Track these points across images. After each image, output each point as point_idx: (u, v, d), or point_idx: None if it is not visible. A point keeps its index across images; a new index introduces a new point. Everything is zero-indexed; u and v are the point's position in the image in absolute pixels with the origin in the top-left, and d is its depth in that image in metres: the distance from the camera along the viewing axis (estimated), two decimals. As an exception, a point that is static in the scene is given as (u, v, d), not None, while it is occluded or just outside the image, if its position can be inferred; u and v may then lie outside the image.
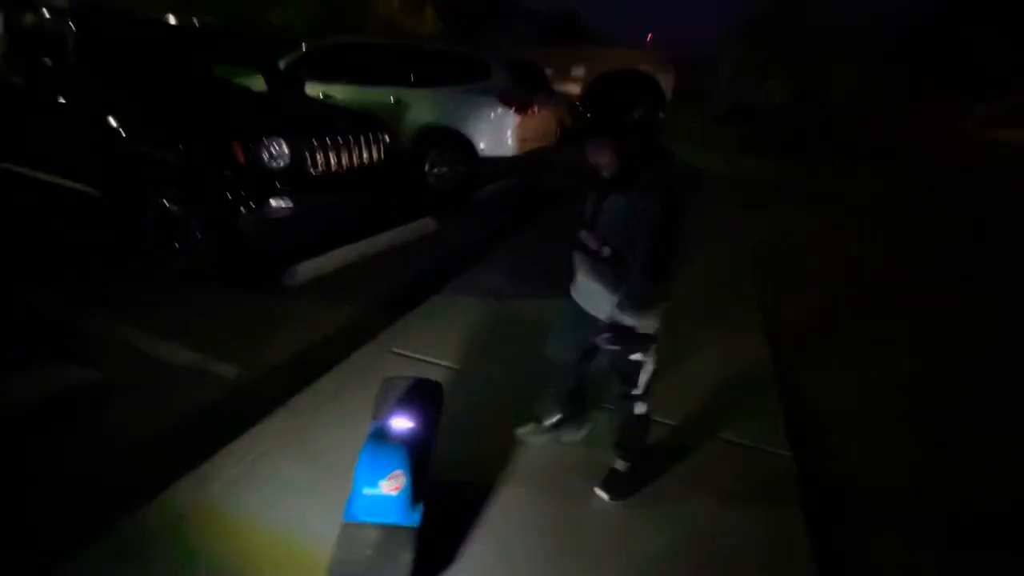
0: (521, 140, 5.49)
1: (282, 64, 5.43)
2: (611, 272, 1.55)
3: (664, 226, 1.45)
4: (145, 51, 3.73)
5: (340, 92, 5.58)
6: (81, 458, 1.90)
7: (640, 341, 1.59)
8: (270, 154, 3.10)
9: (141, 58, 3.66)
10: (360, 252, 3.88)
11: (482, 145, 5.41)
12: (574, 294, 1.75)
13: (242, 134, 3.05)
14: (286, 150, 3.15)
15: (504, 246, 4.25)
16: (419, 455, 1.44)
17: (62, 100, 3.34)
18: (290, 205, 3.19)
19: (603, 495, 1.82)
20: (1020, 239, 6.21)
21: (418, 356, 2.52)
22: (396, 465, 1.38)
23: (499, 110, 5.35)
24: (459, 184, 5.62)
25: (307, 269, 3.47)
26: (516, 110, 5.39)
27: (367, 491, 1.38)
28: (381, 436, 1.44)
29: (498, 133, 5.40)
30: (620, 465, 1.84)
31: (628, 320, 1.55)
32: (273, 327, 2.88)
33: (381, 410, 1.55)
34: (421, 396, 1.60)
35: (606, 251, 1.54)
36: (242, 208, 3.04)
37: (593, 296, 1.64)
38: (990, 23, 8.94)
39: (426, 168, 5.65)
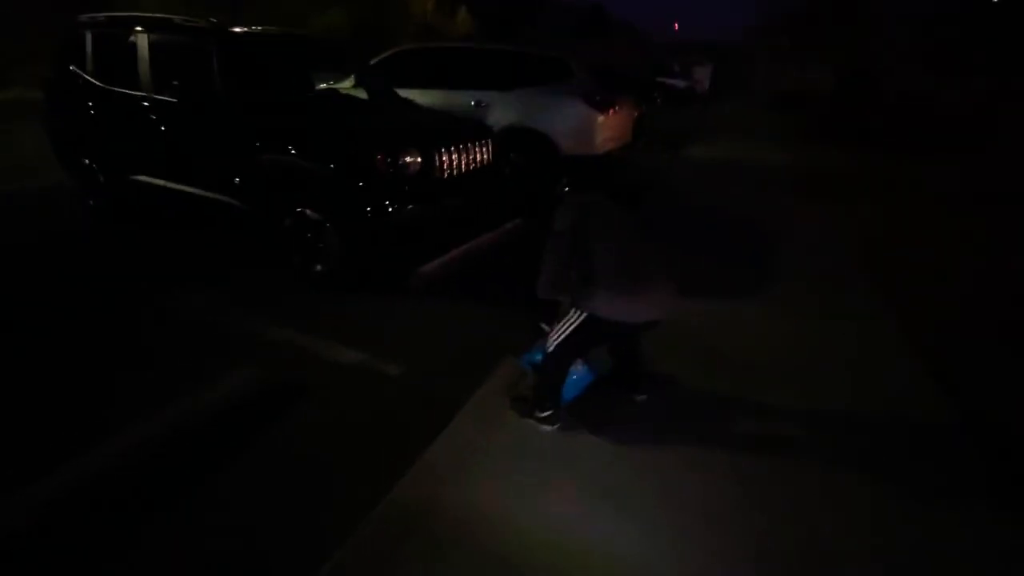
0: (603, 140, 5.56)
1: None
2: None
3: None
4: (273, 64, 3.93)
5: (419, 97, 5.72)
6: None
7: None
8: (406, 163, 3.25)
9: (272, 72, 3.86)
10: (470, 252, 4.01)
11: (565, 145, 5.50)
12: None
13: (383, 145, 3.22)
14: (419, 158, 3.31)
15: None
16: None
17: (207, 118, 3.57)
18: (420, 208, 3.36)
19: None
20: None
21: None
22: None
23: (583, 110, 5.42)
24: (539, 184, 5.72)
25: (430, 271, 3.62)
26: (599, 110, 5.46)
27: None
28: None
29: (581, 133, 5.48)
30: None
31: None
32: (415, 328, 3.05)
33: None
34: None
35: None
36: (381, 214, 3.21)
37: None
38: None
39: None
